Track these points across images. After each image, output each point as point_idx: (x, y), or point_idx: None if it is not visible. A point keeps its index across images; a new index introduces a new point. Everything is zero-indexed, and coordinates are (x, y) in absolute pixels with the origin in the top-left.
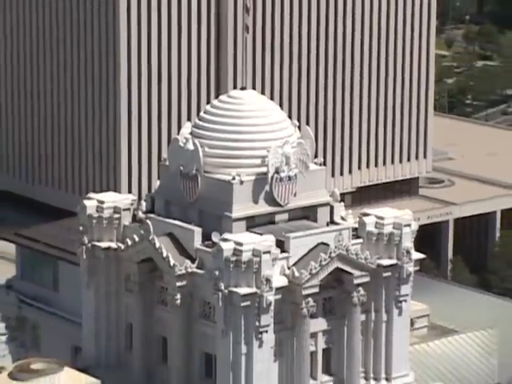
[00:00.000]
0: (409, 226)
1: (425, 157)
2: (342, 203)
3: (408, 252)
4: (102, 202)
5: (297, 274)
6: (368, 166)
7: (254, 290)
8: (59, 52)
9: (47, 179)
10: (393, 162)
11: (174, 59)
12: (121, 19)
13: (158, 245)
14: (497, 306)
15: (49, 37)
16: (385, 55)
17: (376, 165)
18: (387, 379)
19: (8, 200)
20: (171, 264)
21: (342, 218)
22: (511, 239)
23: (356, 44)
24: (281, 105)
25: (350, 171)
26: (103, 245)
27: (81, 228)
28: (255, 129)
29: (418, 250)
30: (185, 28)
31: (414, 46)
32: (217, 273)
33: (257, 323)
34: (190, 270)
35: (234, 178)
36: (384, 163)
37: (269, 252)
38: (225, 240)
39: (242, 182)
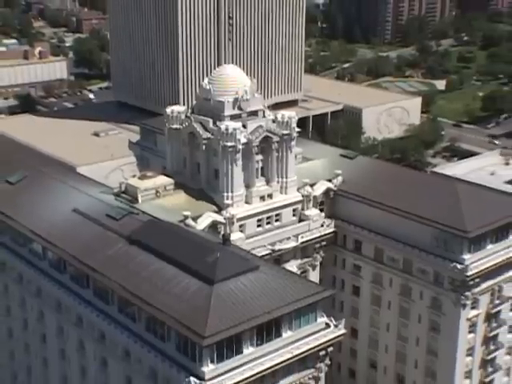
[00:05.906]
0: (294, 118)
1: (300, 90)
2: (268, 109)
3: (294, 128)
4: (173, 109)
5: (250, 137)
6: (277, 94)
7: (233, 143)
8: (148, 20)
9: (151, 97)
10: (288, 92)
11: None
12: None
13: (195, 125)
14: (327, 150)
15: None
16: (287, 52)
17: (280, 93)
18: (287, 177)
19: (133, 109)
20: (201, 133)
21: (268, 115)
22: (335, 124)
23: (274, 46)
24: (243, 68)
25: (271, 96)
26: (174, 126)
27: (165, 120)
28: (233, 80)
29: (298, 127)
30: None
31: (295, 46)
32: (218, 137)
33: (235, 157)
34: (208, 136)
35: (224, 100)
36: (284, 93)
37: (239, 129)
38: (221, 124)
39: (228, 102)
